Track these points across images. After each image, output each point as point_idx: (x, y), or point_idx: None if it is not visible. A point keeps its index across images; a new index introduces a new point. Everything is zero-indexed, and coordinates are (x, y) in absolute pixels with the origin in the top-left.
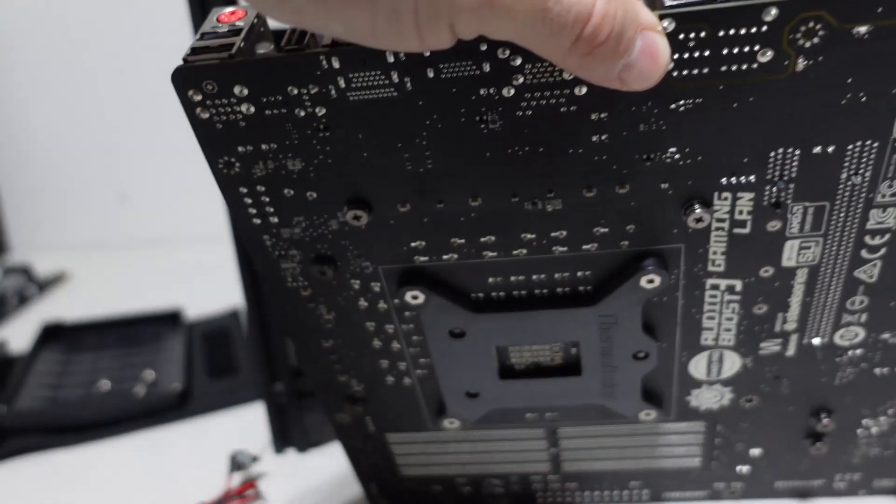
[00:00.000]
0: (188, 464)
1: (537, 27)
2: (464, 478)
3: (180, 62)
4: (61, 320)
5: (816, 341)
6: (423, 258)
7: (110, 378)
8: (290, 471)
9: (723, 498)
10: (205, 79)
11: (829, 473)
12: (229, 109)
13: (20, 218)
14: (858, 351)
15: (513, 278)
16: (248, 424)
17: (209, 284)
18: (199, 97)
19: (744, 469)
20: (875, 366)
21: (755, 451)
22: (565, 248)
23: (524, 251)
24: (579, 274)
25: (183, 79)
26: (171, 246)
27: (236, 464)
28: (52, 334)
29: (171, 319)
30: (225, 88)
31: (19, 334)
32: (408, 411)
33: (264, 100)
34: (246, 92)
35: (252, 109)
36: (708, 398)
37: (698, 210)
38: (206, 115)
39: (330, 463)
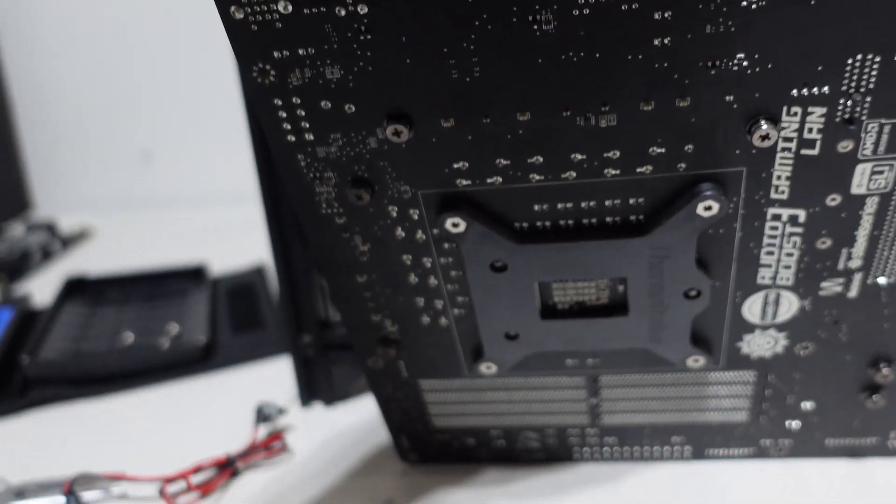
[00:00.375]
0: (213, 416)
1: None
2: (498, 430)
3: None
4: (85, 274)
5: (882, 281)
6: (465, 182)
7: (134, 331)
8: (316, 424)
9: (769, 456)
10: None
11: (883, 431)
12: (265, 8)
13: (44, 175)
14: None
15: (560, 206)
16: (273, 378)
17: (233, 242)
18: None
19: (793, 424)
20: None
21: (807, 405)
22: (618, 171)
23: (573, 174)
24: (631, 201)
25: None
26: (194, 204)
27: (263, 416)
28: (76, 288)
29: (195, 275)
30: None
31: (43, 289)
32: (443, 355)
33: None
34: None
35: (290, 8)
36: (760, 344)
37: (765, 126)
38: (240, 15)
39: (356, 417)
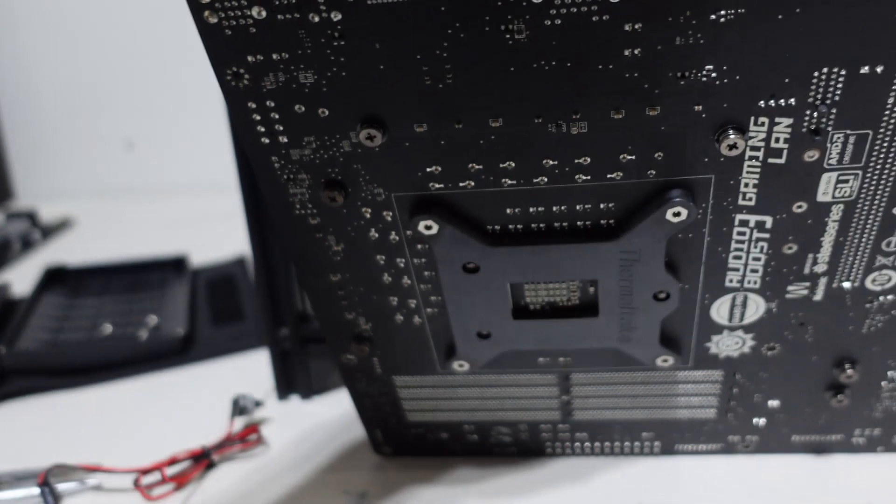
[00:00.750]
0: (191, 408)
1: None
2: (471, 425)
3: None
4: (65, 264)
5: (847, 285)
6: (438, 185)
7: (113, 322)
8: (292, 417)
9: (737, 451)
10: None
11: (847, 428)
12: (239, 13)
13: (26, 164)
14: (890, 297)
15: (532, 209)
16: (251, 370)
17: (214, 233)
18: None
19: (760, 422)
20: None
21: (773, 403)
22: (588, 177)
23: (545, 179)
24: (602, 206)
25: None
26: (176, 194)
27: (239, 408)
28: (56, 278)
29: (175, 265)
30: None
31: (22, 279)
32: (416, 352)
33: (276, 2)
34: None
35: (263, 13)
36: (728, 345)
37: (732, 135)
38: (214, 20)
39: (333, 410)
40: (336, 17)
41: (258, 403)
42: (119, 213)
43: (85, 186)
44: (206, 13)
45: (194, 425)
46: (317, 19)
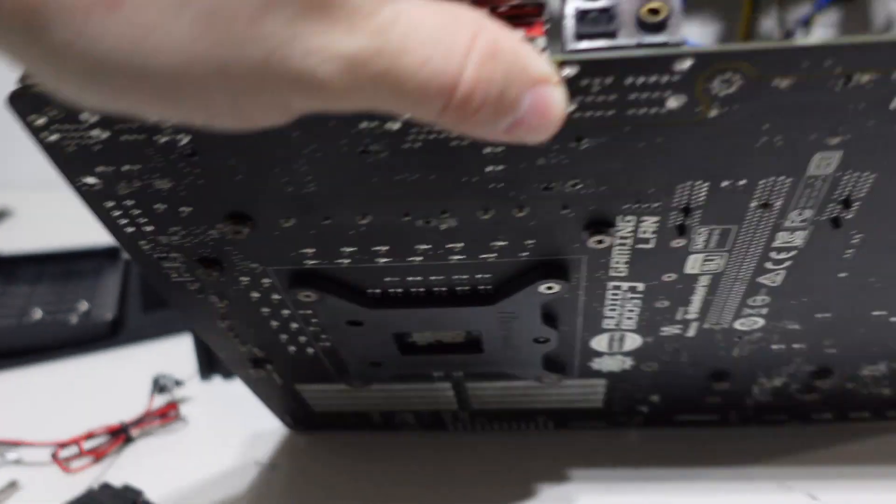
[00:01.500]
0: (116, 389)
1: (394, 101)
2: (377, 412)
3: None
4: None
5: (717, 327)
6: (313, 262)
7: (43, 308)
8: (213, 396)
9: (625, 426)
10: (47, 104)
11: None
12: (80, 134)
13: None
14: (757, 334)
15: (410, 279)
16: (178, 354)
17: None
18: (42, 121)
19: (644, 409)
20: (772, 343)
21: (655, 398)
22: (462, 257)
23: (419, 258)
24: (478, 276)
25: (21, 104)
26: None
27: (159, 386)
28: None
29: (110, 254)
30: (71, 115)
31: None
32: (313, 370)
33: (117, 127)
34: (96, 118)
35: (105, 135)
36: (610, 364)
37: (599, 235)
38: (54, 138)
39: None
40: (183, 139)
41: (178, 382)
42: (57, 205)
43: (23, 178)
44: (44, 134)
45: (116, 404)
46: (164, 140)
